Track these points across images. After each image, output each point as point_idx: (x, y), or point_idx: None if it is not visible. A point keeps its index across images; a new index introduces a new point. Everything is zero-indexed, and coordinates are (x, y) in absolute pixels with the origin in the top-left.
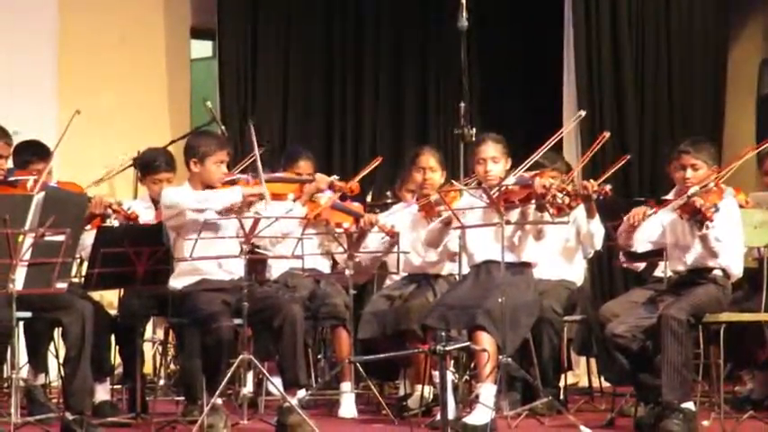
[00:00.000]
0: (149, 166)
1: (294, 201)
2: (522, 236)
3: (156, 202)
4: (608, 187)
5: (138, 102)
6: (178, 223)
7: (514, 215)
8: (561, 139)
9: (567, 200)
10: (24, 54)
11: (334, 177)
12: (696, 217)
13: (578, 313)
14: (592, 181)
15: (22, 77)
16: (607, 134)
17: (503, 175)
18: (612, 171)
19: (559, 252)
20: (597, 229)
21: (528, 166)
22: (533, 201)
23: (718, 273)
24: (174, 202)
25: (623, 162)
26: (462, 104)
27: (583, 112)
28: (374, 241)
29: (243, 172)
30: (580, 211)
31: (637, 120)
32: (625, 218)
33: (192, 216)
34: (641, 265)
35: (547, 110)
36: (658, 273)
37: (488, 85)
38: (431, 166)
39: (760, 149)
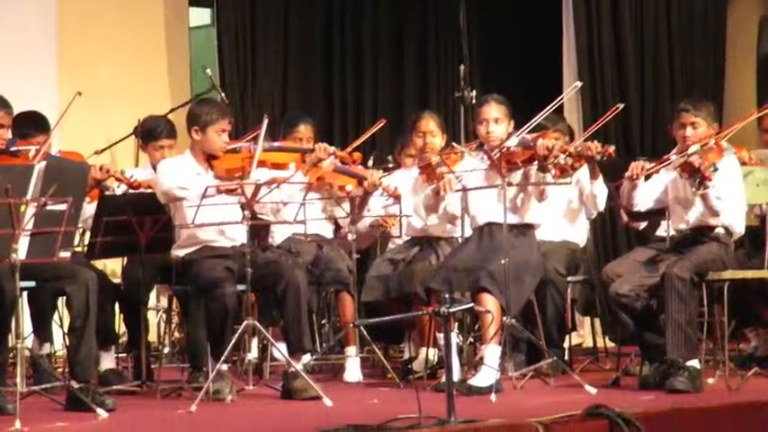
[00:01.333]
0: (151, 133)
1: (296, 170)
2: (524, 197)
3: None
4: (612, 148)
5: (138, 71)
6: (168, 199)
7: (517, 177)
8: (562, 101)
9: (569, 161)
10: (23, 24)
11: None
12: (696, 176)
13: (582, 274)
14: (596, 142)
15: (21, 48)
16: (621, 106)
17: (505, 137)
18: (603, 121)
19: (562, 213)
20: (600, 190)
21: (530, 128)
22: (536, 162)
23: (720, 231)
24: (159, 181)
25: (615, 111)
26: (462, 67)
27: (579, 83)
28: (377, 204)
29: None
30: (583, 173)
31: (637, 81)
32: (626, 175)
33: (180, 194)
34: (643, 224)
35: (547, 71)
36: (661, 232)
37: (488, 47)
38: (431, 131)
39: (762, 113)
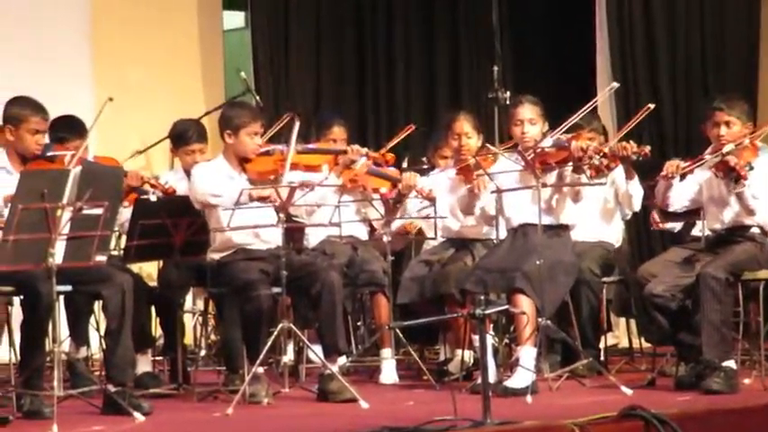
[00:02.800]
0: (181, 137)
1: (329, 172)
2: (559, 198)
3: (188, 173)
4: (647, 148)
5: (172, 74)
6: (203, 206)
7: (551, 177)
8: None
9: (604, 161)
10: (58, 28)
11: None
12: (731, 175)
13: (617, 274)
14: (631, 142)
15: (56, 52)
16: (651, 106)
17: (539, 138)
18: (636, 121)
19: (598, 213)
20: (636, 190)
21: (564, 129)
22: (570, 163)
23: (755, 230)
24: (193, 187)
25: (646, 111)
26: (495, 68)
27: (616, 84)
28: (412, 206)
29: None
30: (618, 173)
31: (670, 80)
32: (660, 174)
33: (214, 201)
34: (677, 226)
35: (579, 71)
36: (696, 232)
37: (520, 47)
38: (466, 132)
39: None
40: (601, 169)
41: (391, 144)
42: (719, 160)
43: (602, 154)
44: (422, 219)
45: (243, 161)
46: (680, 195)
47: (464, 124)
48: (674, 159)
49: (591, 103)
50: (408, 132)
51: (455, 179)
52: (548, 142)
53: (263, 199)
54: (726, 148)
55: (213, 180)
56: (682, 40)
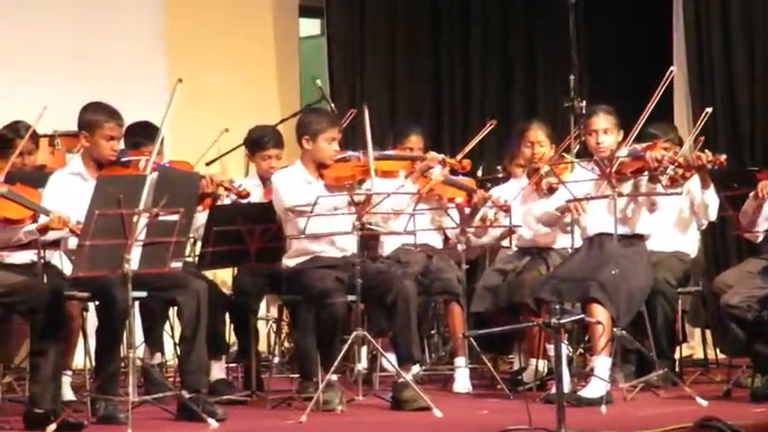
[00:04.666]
0: (257, 143)
1: (405, 178)
2: (635, 208)
3: (263, 179)
4: (723, 157)
5: (248, 81)
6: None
7: (627, 187)
8: (672, 111)
9: (680, 171)
10: (133, 36)
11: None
12: None
13: (692, 285)
14: (707, 151)
15: (132, 59)
16: (709, 110)
17: (614, 147)
18: (698, 128)
19: (673, 223)
20: (712, 199)
21: (636, 136)
22: (646, 172)
23: None
24: (280, 197)
25: (706, 117)
26: (572, 77)
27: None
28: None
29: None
30: (694, 182)
31: (747, 89)
32: (751, 194)
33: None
34: (760, 236)
35: (655, 79)
36: None
37: (596, 56)
38: (539, 141)
39: None
40: (676, 179)
41: (470, 146)
42: None
43: (677, 164)
44: (496, 227)
45: (320, 167)
46: (763, 215)
47: (537, 132)
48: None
49: (650, 97)
50: (489, 128)
51: (527, 188)
52: (623, 152)
53: (355, 205)
54: None
55: (297, 189)
56: (760, 50)
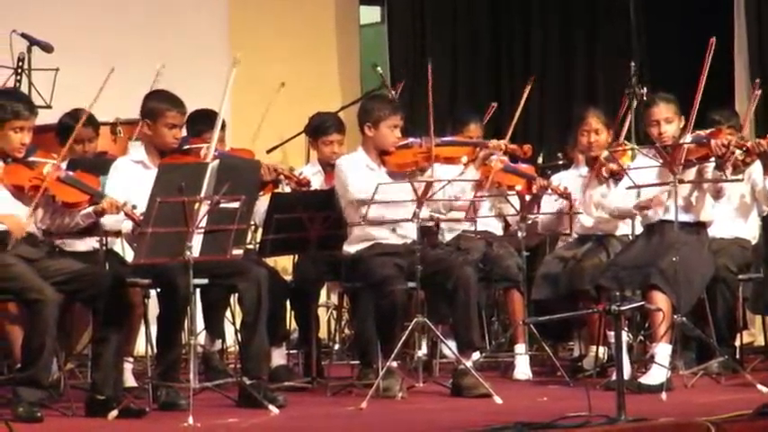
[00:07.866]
0: (320, 128)
1: (466, 164)
2: (699, 195)
3: (324, 165)
4: None
5: (309, 69)
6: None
7: (690, 174)
8: (733, 96)
9: (741, 156)
10: (196, 25)
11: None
12: None
13: (753, 271)
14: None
15: (195, 48)
16: (758, 92)
17: (677, 134)
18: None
19: (734, 210)
20: None
21: (696, 122)
22: (710, 159)
23: None
24: (344, 185)
25: (756, 98)
26: (633, 64)
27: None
28: (548, 204)
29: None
30: (755, 168)
31: None
32: None
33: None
34: None
35: (717, 66)
36: None
37: (656, 42)
38: (595, 128)
39: None
40: (738, 165)
41: (519, 108)
42: None
43: (744, 148)
44: (556, 214)
45: (382, 153)
46: None
47: (593, 119)
48: None
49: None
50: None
51: (587, 175)
52: (687, 139)
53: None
54: None
55: (360, 176)
56: None
